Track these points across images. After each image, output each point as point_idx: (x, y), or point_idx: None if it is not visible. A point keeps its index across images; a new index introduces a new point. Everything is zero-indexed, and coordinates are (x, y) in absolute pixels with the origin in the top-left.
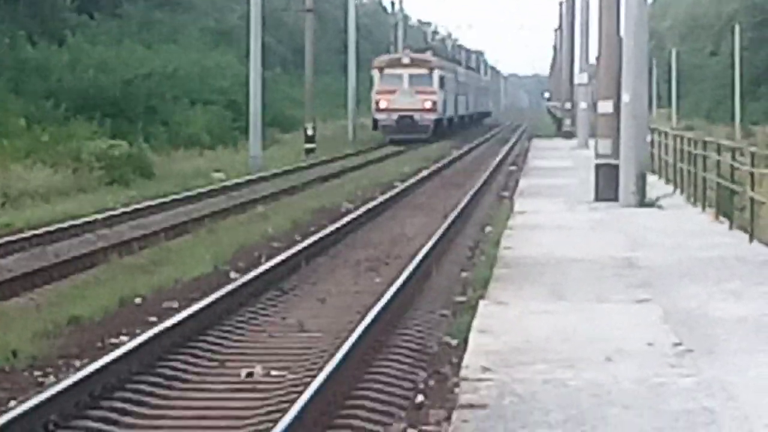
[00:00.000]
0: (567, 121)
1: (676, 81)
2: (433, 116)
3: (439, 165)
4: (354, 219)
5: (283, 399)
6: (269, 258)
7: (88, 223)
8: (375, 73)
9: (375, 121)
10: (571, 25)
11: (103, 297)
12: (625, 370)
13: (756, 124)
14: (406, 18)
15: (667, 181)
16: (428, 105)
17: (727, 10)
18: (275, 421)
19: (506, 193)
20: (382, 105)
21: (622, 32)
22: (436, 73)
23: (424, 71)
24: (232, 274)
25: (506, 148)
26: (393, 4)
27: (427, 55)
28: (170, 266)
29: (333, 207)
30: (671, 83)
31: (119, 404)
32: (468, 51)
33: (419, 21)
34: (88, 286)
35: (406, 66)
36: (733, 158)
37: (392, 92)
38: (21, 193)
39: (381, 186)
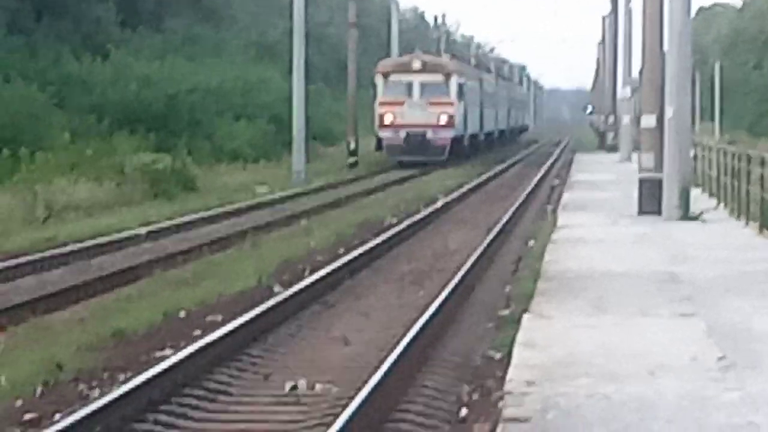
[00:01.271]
0: (610, 135)
1: (719, 95)
2: (449, 134)
3: (481, 179)
4: (397, 233)
5: (327, 413)
6: (313, 272)
7: (132, 236)
8: (378, 79)
9: (379, 140)
10: (615, 38)
11: (147, 310)
12: (668, 384)
13: None
14: (448, 32)
15: (711, 195)
16: (444, 120)
17: None
18: None
19: (549, 207)
20: (387, 120)
21: (665, 46)
22: (454, 81)
23: (438, 78)
24: (276, 288)
25: (541, 172)
26: (436, 18)
27: (443, 59)
28: (214, 280)
29: (376, 221)
30: (714, 97)
31: (164, 417)
32: (503, 60)
33: (462, 35)
34: (132, 300)
35: (416, 72)
36: None
37: (399, 104)
38: (65, 206)
39: (424, 200)
